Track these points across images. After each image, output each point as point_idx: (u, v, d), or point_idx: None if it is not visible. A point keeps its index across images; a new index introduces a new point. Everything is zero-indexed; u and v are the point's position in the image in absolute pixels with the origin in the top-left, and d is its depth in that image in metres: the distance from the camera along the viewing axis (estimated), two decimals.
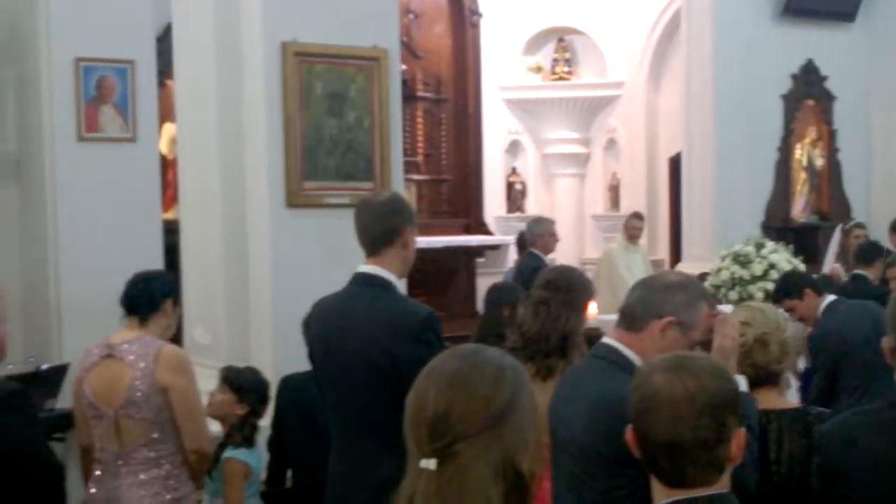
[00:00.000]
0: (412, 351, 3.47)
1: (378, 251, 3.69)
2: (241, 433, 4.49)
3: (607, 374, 2.93)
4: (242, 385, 4.60)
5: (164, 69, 7.81)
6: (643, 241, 10.95)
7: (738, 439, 2.20)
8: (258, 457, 4.62)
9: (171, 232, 7.78)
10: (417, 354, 3.44)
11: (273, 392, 4.91)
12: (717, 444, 2.17)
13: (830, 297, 6.01)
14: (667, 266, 12.37)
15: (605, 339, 3.05)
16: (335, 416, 3.76)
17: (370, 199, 3.87)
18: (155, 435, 4.06)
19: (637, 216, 10.63)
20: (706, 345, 3.01)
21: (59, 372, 6.77)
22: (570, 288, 4.22)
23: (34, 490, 3.83)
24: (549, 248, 8.57)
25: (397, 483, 3.39)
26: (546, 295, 4.18)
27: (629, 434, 2.26)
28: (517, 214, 13.64)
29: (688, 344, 2.90)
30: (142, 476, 4.05)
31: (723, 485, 2.19)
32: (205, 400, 4.49)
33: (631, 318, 2.97)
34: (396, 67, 6.17)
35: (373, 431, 3.57)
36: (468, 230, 12.68)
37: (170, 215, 8.86)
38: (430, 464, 1.76)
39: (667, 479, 2.19)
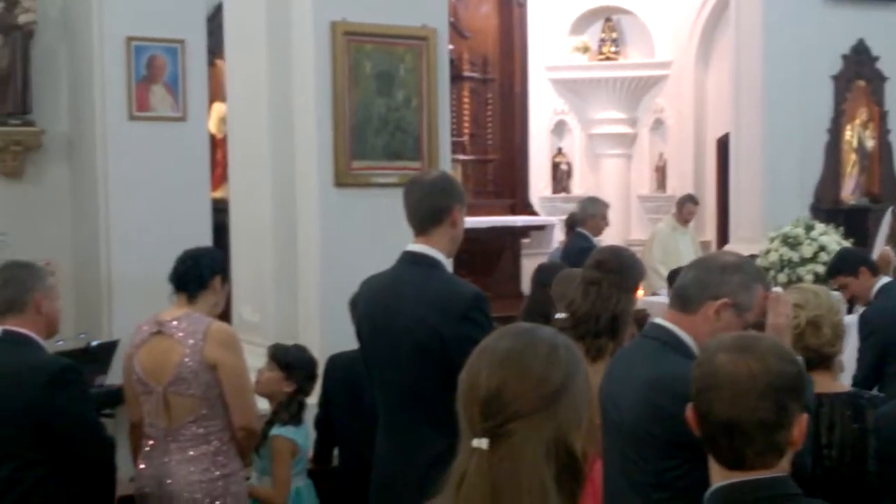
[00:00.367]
0: (459, 330, 3.48)
1: (427, 230, 3.69)
2: (287, 411, 4.52)
3: (660, 354, 2.91)
4: (290, 363, 4.62)
5: (214, 49, 7.84)
6: (691, 222, 10.88)
7: (801, 425, 2.17)
8: (305, 434, 4.64)
9: (219, 211, 7.82)
10: (465, 333, 3.46)
11: (320, 370, 4.93)
12: (777, 427, 2.14)
13: (885, 279, 5.96)
14: (714, 248, 12.28)
15: (658, 320, 3.03)
16: (382, 394, 3.77)
17: (419, 178, 3.87)
18: (204, 411, 4.07)
19: (692, 200, 10.56)
20: (759, 327, 2.98)
21: (109, 348, 6.85)
22: (621, 268, 4.19)
23: (86, 465, 3.90)
24: (598, 230, 8.53)
25: (446, 462, 3.42)
26: (597, 275, 4.15)
27: (689, 412, 2.24)
28: (562, 195, 13.60)
29: (742, 326, 2.87)
30: (191, 452, 4.07)
31: (782, 468, 2.17)
32: (253, 377, 4.51)
33: (685, 300, 2.95)
34: (445, 47, 6.16)
35: (420, 410, 3.58)
36: (513, 211, 12.64)
37: (218, 194, 8.90)
38: (482, 443, 1.74)
39: (725, 461, 2.18)
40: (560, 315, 4.99)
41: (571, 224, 9.26)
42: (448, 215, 3.68)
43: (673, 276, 5.08)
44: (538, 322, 3.97)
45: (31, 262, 4.11)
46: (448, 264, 3.78)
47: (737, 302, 2.89)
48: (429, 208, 3.68)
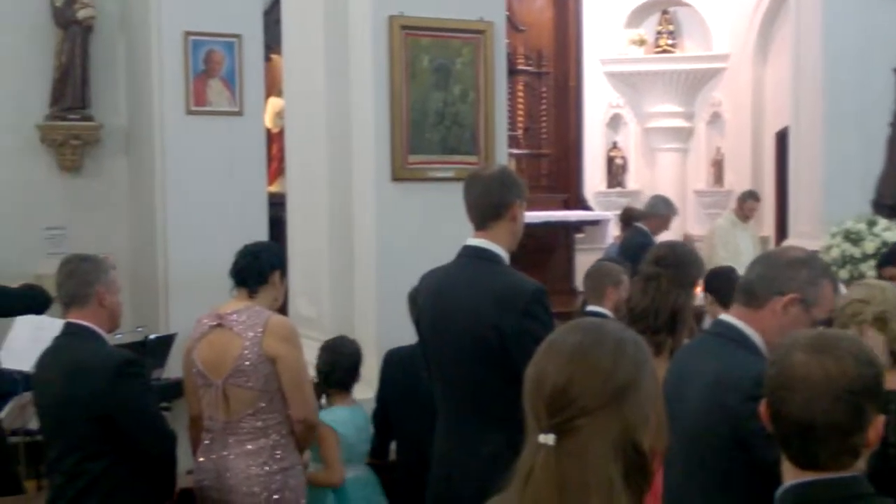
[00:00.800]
0: (520, 325, 3.46)
1: (487, 224, 3.68)
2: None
3: (726, 351, 2.87)
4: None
5: (270, 44, 7.87)
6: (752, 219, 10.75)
7: (877, 427, 2.11)
8: (345, 423, 4.66)
9: (274, 205, 7.86)
10: (525, 328, 3.46)
11: (376, 364, 4.94)
12: (853, 430, 2.09)
13: None
14: (772, 243, 12.13)
15: (724, 316, 2.98)
16: (442, 389, 3.76)
17: (480, 173, 3.85)
18: (262, 404, 4.08)
19: (753, 196, 10.43)
20: (826, 324, 2.93)
21: (166, 342, 6.90)
22: (681, 264, 4.16)
23: (148, 457, 3.92)
24: (659, 229, 8.48)
25: (505, 457, 3.39)
26: (656, 271, 4.12)
27: (762, 408, 2.20)
28: (617, 189, 13.52)
29: (809, 322, 2.82)
30: (249, 446, 4.09)
31: (857, 468, 2.12)
32: (311, 372, 4.52)
33: (751, 295, 2.90)
34: (502, 40, 6.14)
35: (480, 405, 3.57)
36: (567, 205, 12.57)
37: (274, 189, 8.95)
38: (548, 439, 1.72)
39: (798, 461, 2.13)
40: (591, 308, 4.97)
41: (627, 219, 9.18)
42: (508, 210, 3.67)
43: (711, 280, 5.00)
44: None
45: (94, 255, 4.15)
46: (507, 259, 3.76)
47: (804, 297, 2.84)
48: (489, 203, 3.66)
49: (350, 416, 4.72)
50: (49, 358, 4.04)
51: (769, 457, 2.56)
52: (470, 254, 3.69)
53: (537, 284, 3.63)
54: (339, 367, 4.79)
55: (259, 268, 4.24)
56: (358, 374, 4.85)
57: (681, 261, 4.19)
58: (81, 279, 3.99)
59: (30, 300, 5.26)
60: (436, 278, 3.80)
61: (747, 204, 10.28)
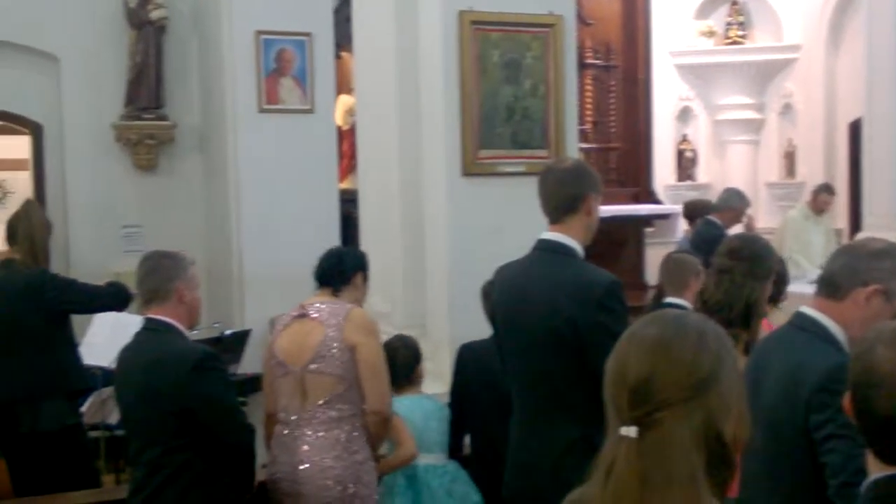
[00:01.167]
0: (595, 318, 3.45)
1: (561, 218, 3.66)
2: None
3: (807, 344, 2.84)
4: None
5: (340, 41, 7.93)
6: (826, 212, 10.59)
7: None
8: (409, 409, 4.70)
9: (345, 202, 7.92)
10: (600, 321, 3.45)
11: (451, 359, 4.97)
12: None
13: None
14: (846, 236, 11.95)
15: (804, 309, 2.95)
16: (516, 382, 3.75)
17: (554, 166, 3.84)
18: (339, 391, 4.13)
19: (828, 190, 10.27)
20: None
21: (241, 338, 6.99)
22: (755, 257, 4.10)
23: (227, 450, 3.97)
24: (732, 222, 8.38)
25: (580, 450, 3.42)
26: (730, 263, 4.07)
27: (846, 402, 2.17)
28: (687, 183, 13.38)
29: (891, 313, 2.78)
30: (323, 438, 4.12)
31: None
32: None
33: (833, 286, 2.87)
34: (572, 34, 6.13)
35: (554, 398, 3.56)
36: (637, 199, 12.49)
37: (344, 185, 9.02)
38: (630, 431, 1.71)
39: (883, 455, 2.11)
40: (671, 299, 4.93)
41: (690, 213, 9.06)
42: (583, 203, 3.65)
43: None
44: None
45: (174, 251, 4.20)
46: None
47: (888, 288, 2.81)
48: (563, 196, 3.65)
49: (415, 404, 4.77)
50: (130, 353, 4.10)
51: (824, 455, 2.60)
52: (545, 247, 3.68)
53: (612, 277, 3.61)
54: (400, 361, 4.83)
55: (342, 269, 4.36)
56: (414, 369, 4.91)
57: (755, 253, 4.14)
58: (162, 275, 4.04)
59: (111, 297, 5.36)
60: (511, 272, 3.80)
61: (821, 197, 10.13)
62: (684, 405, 1.71)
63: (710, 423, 1.72)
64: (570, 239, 3.65)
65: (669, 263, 5.18)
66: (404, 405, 4.67)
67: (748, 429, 1.79)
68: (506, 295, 3.79)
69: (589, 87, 12.16)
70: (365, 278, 4.50)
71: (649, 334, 1.79)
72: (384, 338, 5.10)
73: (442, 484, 4.70)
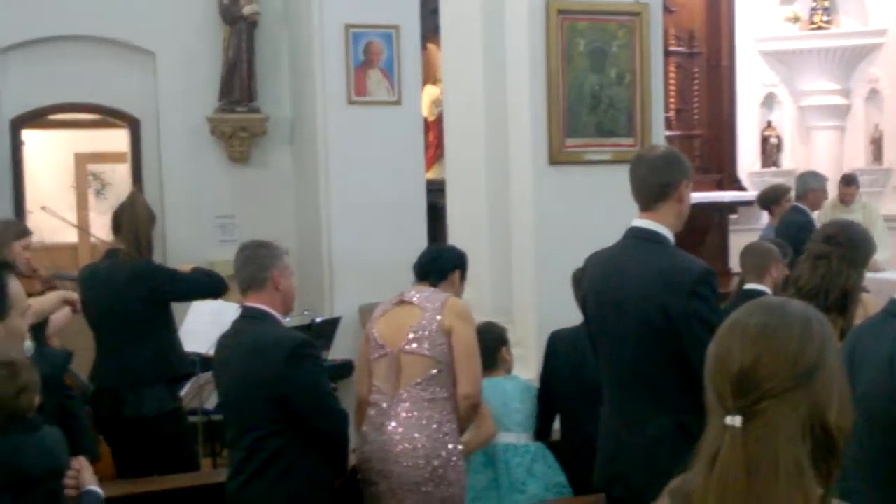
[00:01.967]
0: (687, 306, 3.46)
1: (652, 206, 3.67)
2: None
3: None
4: None
5: (426, 33, 8.00)
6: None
7: None
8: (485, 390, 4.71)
9: (431, 191, 8.00)
10: (693, 310, 3.46)
11: (537, 346, 5.02)
12: None
13: None
14: None
15: None
16: (608, 370, 3.78)
17: (645, 153, 3.84)
18: (433, 372, 4.21)
19: (846, 181, 9.97)
20: None
21: (332, 325, 7.11)
22: (851, 243, 4.06)
23: (321, 436, 4.07)
24: (818, 204, 8.26)
25: (672, 439, 3.45)
26: (826, 249, 4.03)
27: None
28: (772, 169, 13.23)
29: None
30: (414, 419, 4.20)
31: None
32: None
33: None
34: (658, 22, 6.12)
35: (646, 386, 3.58)
36: (721, 186, 12.39)
37: (430, 175, 9.09)
38: (735, 421, 1.70)
39: None
40: (751, 286, 4.91)
41: (766, 202, 8.91)
42: (674, 190, 3.66)
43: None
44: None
45: (270, 241, 4.31)
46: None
47: None
48: (654, 184, 3.65)
49: (495, 386, 4.83)
50: (228, 340, 4.22)
51: None
52: (636, 235, 3.69)
53: (705, 265, 3.62)
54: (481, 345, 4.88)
55: (441, 265, 4.51)
56: (496, 353, 4.96)
57: (852, 239, 4.08)
58: (258, 264, 4.15)
59: (209, 286, 5.46)
60: (602, 260, 3.82)
61: (841, 189, 9.88)
62: (789, 394, 1.70)
63: (815, 412, 1.70)
64: (662, 226, 3.66)
65: (749, 251, 5.19)
66: (484, 387, 4.65)
67: (850, 416, 1.76)
68: (597, 283, 3.81)
69: (672, 75, 12.08)
70: (462, 277, 4.62)
71: (753, 323, 1.77)
72: None
73: (522, 463, 4.74)
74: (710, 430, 1.74)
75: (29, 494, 2.59)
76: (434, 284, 4.45)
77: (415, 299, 4.35)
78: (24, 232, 5.59)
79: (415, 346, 4.22)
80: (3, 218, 5.92)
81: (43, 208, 8.08)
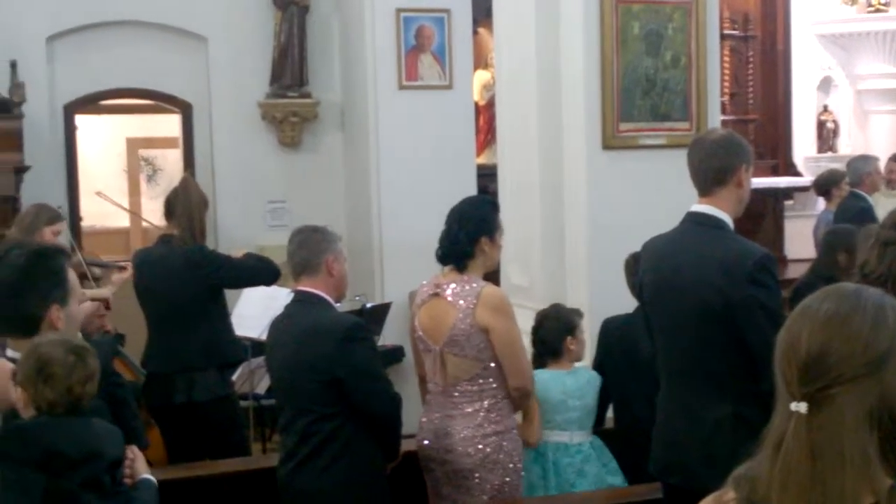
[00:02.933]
0: (746, 292, 3.42)
1: (711, 190, 3.63)
2: None
3: None
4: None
5: (476, 17, 7.97)
6: None
7: None
8: (542, 385, 4.61)
9: (482, 176, 7.97)
10: (751, 296, 3.41)
11: (590, 333, 4.95)
12: None
13: None
14: None
15: None
16: (665, 356, 3.74)
17: (703, 138, 3.80)
18: (477, 371, 4.15)
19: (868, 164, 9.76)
20: None
21: (382, 310, 7.11)
22: None
23: (374, 419, 4.07)
24: (875, 187, 8.12)
25: (729, 426, 3.40)
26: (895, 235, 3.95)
27: None
28: (828, 154, 13.05)
29: None
30: (466, 409, 4.17)
31: None
32: (526, 341, 4.55)
33: None
34: (714, 3, 6.02)
35: (704, 373, 3.54)
36: (776, 171, 12.26)
37: (481, 160, 9.06)
38: (800, 407, 1.66)
39: None
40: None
41: (822, 187, 8.77)
42: (733, 175, 3.62)
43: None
44: (820, 286, 3.83)
45: (322, 226, 4.30)
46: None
47: None
48: (713, 168, 3.61)
49: (555, 380, 4.67)
50: (282, 324, 4.22)
51: None
52: (694, 220, 3.65)
53: (764, 251, 3.57)
54: (543, 333, 4.79)
55: (459, 251, 4.20)
56: (561, 342, 4.75)
57: None
58: (312, 249, 4.14)
59: (262, 272, 5.47)
60: (659, 245, 3.78)
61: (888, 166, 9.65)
62: (859, 382, 1.66)
63: (885, 401, 1.66)
64: (721, 211, 3.62)
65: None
66: (542, 380, 4.60)
67: None
68: (654, 269, 3.77)
69: (726, 59, 11.94)
70: (491, 239, 4.24)
71: (824, 308, 1.73)
72: (524, 312, 5.13)
73: (572, 463, 4.62)
74: (777, 415, 1.71)
75: (64, 477, 2.58)
76: (461, 267, 4.21)
77: (447, 295, 4.17)
78: (56, 217, 5.55)
79: (455, 349, 4.14)
80: (37, 202, 5.93)
81: (98, 193, 8.14)
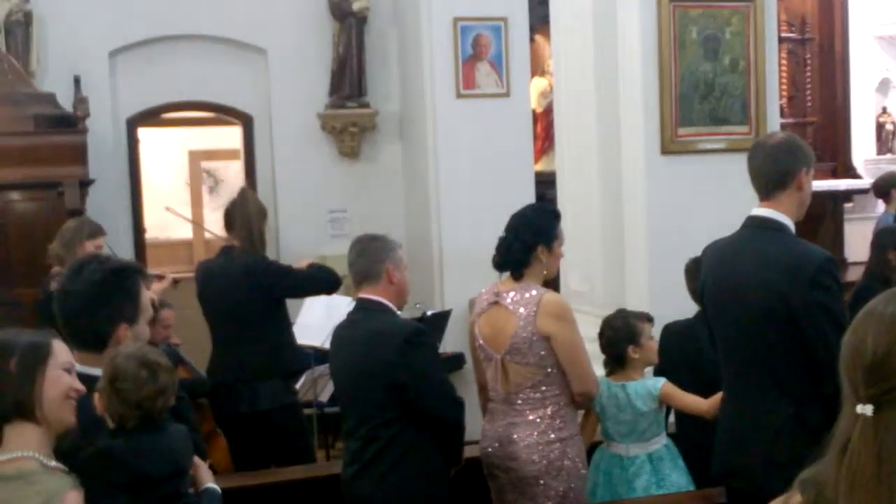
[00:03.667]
0: (808, 295, 3.41)
1: (772, 194, 3.62)
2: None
3: None
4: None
5: (533, 24, 7.98)
6: None
7: None
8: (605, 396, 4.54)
9: (540, 183, 7.97)
10: (814, 299, 3.40)
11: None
12: None
13: None
14: None
15: None
16: (727, 360, 3.73)
17: (763, 141, 3.78)
18: (539, 378, 4.14)
19: None
20: None
21: (443, 318, 7.13)
22: None
23: (437, 424, 4.08)
24: None
25: (792, 429, 3.39)
26: None
27: None
28: (888, 156, 12.88)
29: None
30: (529, 416, 4.16)
31: None
32: (589, 346, 4.52)
33: None
34: (772, 6, 6.01)
35: (766, 375, 3.53)
36: (835, 174, 12.14)
37: (538, 167, 9.07)
38: (866, 410, 1.67)
39: None
40: None
41: (882, 189, 8.66)
42: (794, 178, 3.61)
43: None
44: (878, 288, 3.81)
45: (382, 234, 4.33)
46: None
47: None
48: (773, 171, 3.60)
49: (613, 390, 4.56)
50: (344, 332, 4.25)
51: None
52: (755, 224, 3.64)
53: (826, 254, 3.56)
54: (604, 343, 4.72)
55: (514, 258, 4.19)
56: (623, 352, 4.60)
57: None
58: (372, 257, 4.17)
59: (323, 282, 5.51)
60: (720, 249, 3.77)
61: None
62: None
63: None
64: (782, 215, 3.61)
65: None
66: (606, 389, 4.52)
67: None
68: (715, 272, 3.76)
69: (784, 62, 11.85)
70: (549, 248, 4.20)
71: (889, 311, 1.73)
72: (584, 317, 5.13)
73: (621, 475, 4.55)
74: (843, 418, 1.72)
75: (146, 495, 2.62)
76: (518, 275, 4.19)
77: (507, 303, 4.15)
78: (97, 231, 5.60)
79: (517, 357, 4.13)
80: (80, 217, 6.02)
81: (167, 209, 8.24)
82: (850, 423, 1.69)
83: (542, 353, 4.11)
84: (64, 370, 2.68)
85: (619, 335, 4.61)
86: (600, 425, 4.62)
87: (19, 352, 2.62)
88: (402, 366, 3.96)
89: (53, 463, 2.61)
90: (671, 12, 5.69)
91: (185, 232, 13.04)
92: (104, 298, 3.05)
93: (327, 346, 5.52)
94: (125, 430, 2.74)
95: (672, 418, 5.00)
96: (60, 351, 2.71)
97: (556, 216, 4.38)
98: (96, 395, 2.83)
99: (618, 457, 4.59)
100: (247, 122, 8.63)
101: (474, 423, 4.43)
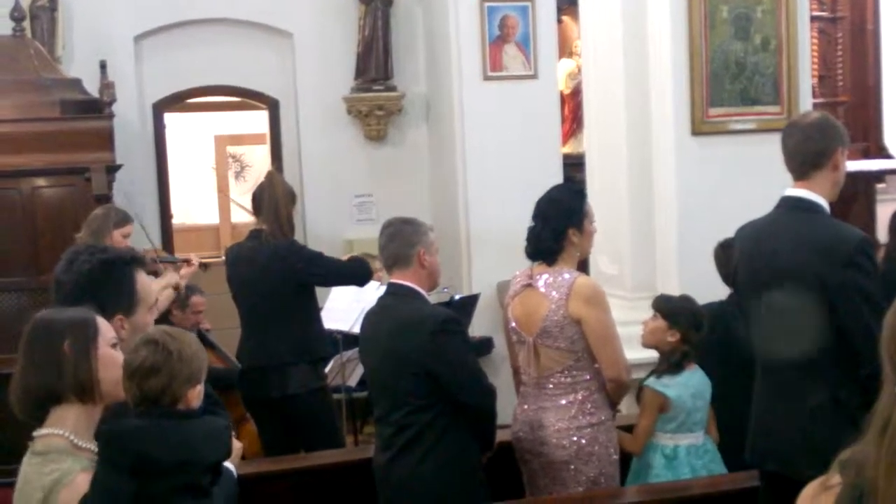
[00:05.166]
0: (844, 276, 3.38)
1: (806, 174, 3.59)
2: (668, 361, 4.44)
3: None
4: (673, 311, 4.50)
5: (560, 5, 7.92)
6: None
7: None
8: (685, 387, 4.41)
9: (567, 165, 7.93)
10: (849, 280, 3.37)
11: None
12: None
13: None
14: None
15: None
16: (762, 342, 3.69)
17: (798, 121, 3.75)
18: (570, 363, 4.13)
19: None
20: None
21: (471, 302, 7.11)
22: None
23: (468, 411, 4.07)
24: None
25: (828, 413, 3.34)
26: None
27: None
28: None
29: None
30: (560, 401, 4.15)
31: None
32: (620, 330, 4.47)
33: None
34: None
35: (801, 358, 3.47)
36: (867, 154, 12.02)
37: (566, 149, 9.02)
38: None
39: None
40: None
41: None
42: (829, 158, 3.58)
43: None
44: None
45: (413, 218, 4.30)
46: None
47: None
48: (808, 151, 3.57)
49: (685, 381, 4.46)
50: (375, 317, 4.25)
51: None
52: (790, 204, 3.61)
53: (862, 234, 3.53)
54: (698, 326, 4.58)
55: (545, 247, 4.16)
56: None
57: None
58: (404, 241, 4.16)
59: (354, 272, 5.50)
60: (754, 230, 3.74)
61: None
62: None
63: None
64: (816, 195, 3.59)
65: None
66: (672, 389, 4.39)
67: None
68: (749, 254, 3.74)
69: (815, 40, 11.72)
70: (580, 229, 4.17)
71: None
72: (614, 301, 5.07)
73: (704, 464, 4.48)
74: (883, 397, 1.71)
75: (156, 483, 2.56)
76: (550, 261, 4.17)
77: (540, 286, 4.14)
78: (125, 219, 5.60)
79: (548, 340, 4.11)
80: (107, 205, 6.01)
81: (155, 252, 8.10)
82: (890, 404, 1.68)
83: (574, 336, 4.10)
84: (111, 346, 2.69)
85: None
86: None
87: (70, 332, 2.64)
88: (433, 354, 3.96)
89: (85, 444, 2.61)
90: None
91: (212, 217, 13.09)
92: (91, 291, 2.98)
93: (355, 330, 5.53)
94: (149, 415, 2.68)
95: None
96: (105, 327, 2.72)
97: (580, 194, 4.39)
98: None
99: (694, 447, 4.44)
100: (273, 106, 8.62)
101: (508, 407, 4.41)
